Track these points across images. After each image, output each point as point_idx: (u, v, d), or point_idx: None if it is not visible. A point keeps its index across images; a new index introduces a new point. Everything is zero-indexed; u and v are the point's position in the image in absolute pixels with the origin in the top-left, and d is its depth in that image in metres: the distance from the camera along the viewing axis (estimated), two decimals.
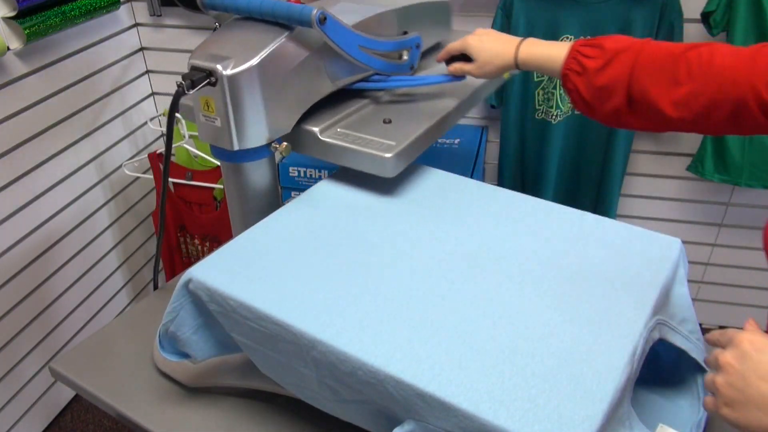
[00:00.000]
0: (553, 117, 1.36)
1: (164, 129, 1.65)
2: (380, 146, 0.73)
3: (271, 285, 0.59)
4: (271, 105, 0.72)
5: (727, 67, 0.58)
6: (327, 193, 0.75)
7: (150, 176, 1.59)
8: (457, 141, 1.44)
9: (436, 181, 0.78)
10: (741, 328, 0.48)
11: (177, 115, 0.82)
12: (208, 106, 0.69)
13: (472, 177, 1.27)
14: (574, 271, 0.61)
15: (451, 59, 0.81)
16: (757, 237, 1.54)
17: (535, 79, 1.35)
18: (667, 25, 1.24)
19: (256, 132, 0.72)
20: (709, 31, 1.22)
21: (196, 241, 1.60)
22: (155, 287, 0.83)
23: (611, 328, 0.54)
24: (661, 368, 0.67)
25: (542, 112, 1.38)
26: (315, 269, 0.62)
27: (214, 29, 0.76)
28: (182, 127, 1.44)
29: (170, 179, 1.55)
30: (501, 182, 1.49)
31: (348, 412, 0.58)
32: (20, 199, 1.32)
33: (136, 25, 1.60)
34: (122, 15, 1.54)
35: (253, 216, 0.80)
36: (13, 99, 1.26)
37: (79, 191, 1.49)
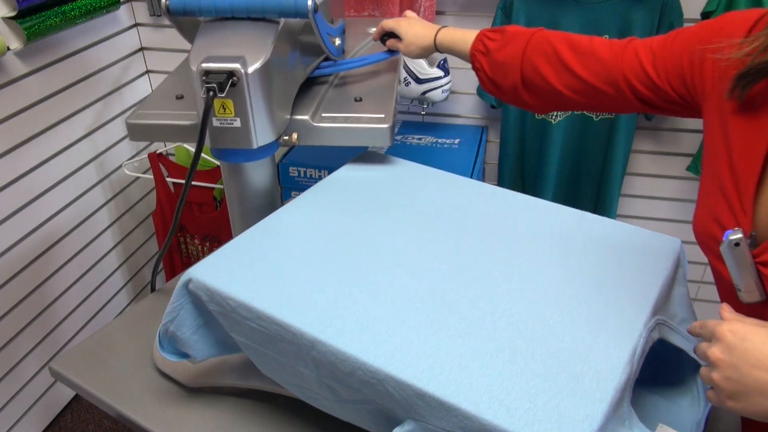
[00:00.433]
0: (553, 117, 1.36)
1: None
2: (372, 120, 0.78)
3: (271, 285, 0.59)
4: (277, 99, 0.72)
5: (604, 58, 0.68)
6: (327, 193, 0.76)
7: (150, 176, 1.59)
8: (457, 141, 1.44)
9: (436, 181, 0.78)
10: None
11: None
12: (224, 109, 0.69)
13: (472, 177, 1.27)
14: (574, 270, 0.61)
15: (382, 37, 0.90)
16: None
17: None
18: (667, 25, 1.24)
19: (270, 128, 0.73)
20: None
21: (196, 241, 1.60)
22: (152, 289, 0.83)
23: (611, 328, 0.54)
24: (661, 368, 0.67)
25: None
26: (315, 269, 0.62)
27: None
28: None
29: (170, 179, 1.55)
30: (501, 182, 1.49)
31: (348, 412, 0.58)
32: (20, 199, 1.32)
33: (136, 25, 1.60)
34: (122, 15, 1.54)
35: (253, 216, 0.80)
36: (13, 99, 1.26)
37: (79, 191, 1.49)
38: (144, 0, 1.55)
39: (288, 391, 0.62)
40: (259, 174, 0.79)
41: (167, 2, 0.71)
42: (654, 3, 1.22)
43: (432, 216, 0.71)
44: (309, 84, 0.85)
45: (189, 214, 1.56)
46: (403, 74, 1.36)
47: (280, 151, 1.41)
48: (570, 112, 1.37)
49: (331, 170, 0.82)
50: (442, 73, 1.35)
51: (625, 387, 0.50)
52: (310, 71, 0.85)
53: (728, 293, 0.58)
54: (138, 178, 1.69)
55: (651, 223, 1.56)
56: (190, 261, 1.65)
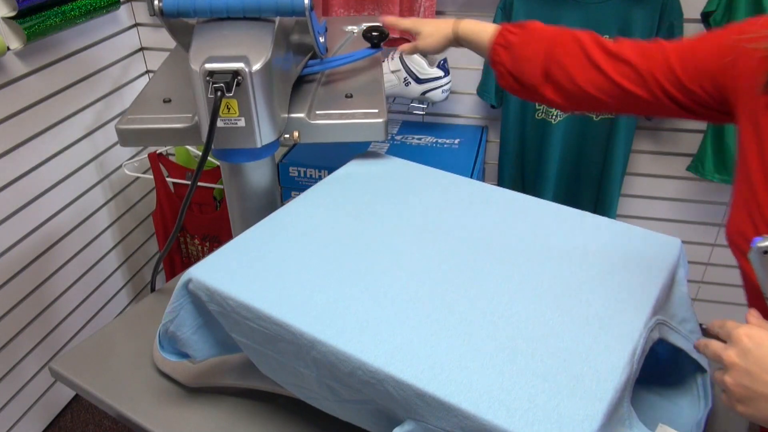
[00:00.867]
0: (553, 117, 1.36)
1: None
2: (367, 115, 0.79)
3: (271, 285, 0.59)
4: (277, 98, 0.73)
5: (633, 59, 0.67)
6: (327, 193, 0.76)
7: (150, 176, 1.59)
8: (457, 141, 1.44)
9: (436, 181, 0.78)
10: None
11: None
12: (228, 109, 0.69)
13: (472, 177, 1.27)
14: (574, 271, 0.61)
15: (369, 35, 0.90)
16: None
17: None
18: (667, 25, 1.24)
19: (272, 126, 0.73)
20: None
21: (196, 241, 1.60)
22: (152, 289, 0.83)
23: (611, 328, 0.54)
24: (661, 368, 0.67)
25: (542, 112, 1.38)
26: (315, 269, 0.62)
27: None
28: None
29: (170, 179, 1.55)
30: (501, 182, 1.49)
31: (348, 412, 0.58)
32: (20, 199, 1.32)
33: (136, 25, 1.60)
34: (122, 15, 1.54)
35: (253, 216, 0.80)
36: (13, 99, 1.26)
37: (79, 191, 1.49)
38: (144, 0, 1.55)
39: (288, 391, 0.62)
40: (259, 174, 0.79)
41: (160, 3, 0.71)
42: (654, 3, 1.22)
43: (432, 216, 0.71)
44: (298, 83, 0.85)
45: (189, 214, 1.56)
46: (403, 74, 1.36)
47: (280, 151, 1.41)
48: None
49: (330, 170, 0.82)
50: (442, 73, 1.35)
51: (625, 387, 0.50)
52: (300, 70, 0.85)
53: (756, 298, 0.57)
54: (138, 178, 1.69)
55: (651, 223, 1.56)
56: (190, 261, 1.65)
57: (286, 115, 0.78)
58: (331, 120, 0.79)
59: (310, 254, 0.64)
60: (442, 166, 0.81)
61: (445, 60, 1.35)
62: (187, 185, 1.53)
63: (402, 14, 1.36)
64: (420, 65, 1.34)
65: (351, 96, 0.84)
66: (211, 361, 0.68)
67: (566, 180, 1.46)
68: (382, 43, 0.90)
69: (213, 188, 1.53)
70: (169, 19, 0.73)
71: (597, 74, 0.69)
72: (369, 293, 0.58)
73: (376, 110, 0.80)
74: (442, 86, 1.36)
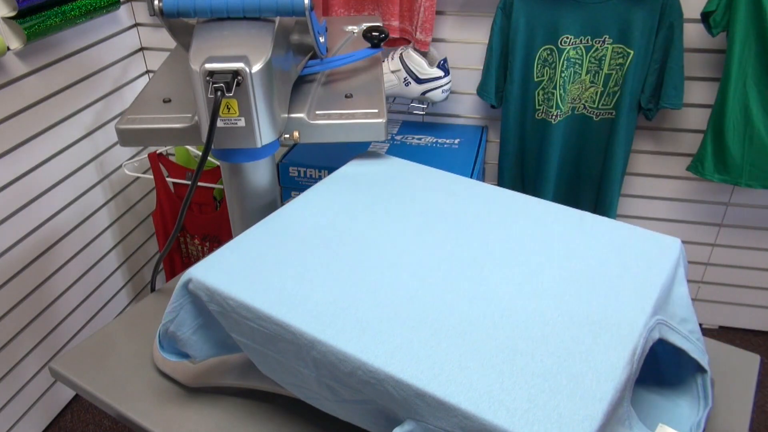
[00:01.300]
0: (553, 117, 1.36)
1: None
2: (367, 115, 0.79)
3: (271, 285, 0.59)
4: (277, 98, 0.73)
5: None
6: (326, 193, 0.76)
7: (150, 176, 1.59)
8: (457, 141, 1.44)
9: (436, 181, 0.78)
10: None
11: None
12: (229, 109, 0.69)
13: (472, 177, 1.27)
14: (574, 270, 0.61)
15: (369, 35, 0.89)
16: (757, 237, 1.54)
17: (535, 79, 1.35)
18: (668, 25, 1.24)
19: (272, 126, 0.73)
20: (709, 31, 1.22)
21: (196, 241, 1.60)
22: (152, 289, 0.83)
23: (611, 328, 0.54)
24: (661, 368, 0.67)
25: (542, 112, 1.38)
26: (315, 269, 0.62)
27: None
28: None
29: (170, 179, 1.55)
30: (501, 182, 1.49)
31: (348, 412, 0.58)
32: (20, 199, 1.32)
33: (136, 25, 1.60)
34: (122, 15, 1.54)
35: (253, 216, 0.80)
36: (13, 99, 1.26)
37: (79, 191, 1.49)
38: (144, 0, 1.55)
39: (288, 391, 0.62)
40: (259, 174, 0.79)
41: (160, 3, 0.71)
42: (654, 3, 1.23)
43: (432, 216, 0.71)
44: (298, 83, 0.85)
45: (189, 214, 1.56)
46: (403, 74, 1.36)
47: (280, 151, 1.41)
48: (570, 111, 1.37)
49: (330, 170, 0.82)
50: (442, 73, 1.35)
51: (625, 387, 0.50)
52: (299, 70, 0.85)
53: None
54: (138, 178, 1.69)
55: (651, 223, 1.56)
56: (190, 261, 1.65)
57: (286, 115, 0.78)
58: (331, 120, 0.79)
59: (310, 254, 0.64)
60: (442, 166, 0.81)
61: (445, 60, 1.35)
62: (187, 185, 1.53)
63: (402, 14, 1.37)
64: (420, 65, 1.34)
65: (351, 96, 0.84)
66: (211, 361, 0.68)
67: (566, 180, 1.46)
68: (382, 43, 0.90)
69: (213, 188, 1.53)
70: (169, 19, 0.73)
71: None
72: (369, 293, 0.58)
73: (376, 110, 0.80)
74: (442, 86, 1.36)
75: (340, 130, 0.79)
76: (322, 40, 0.86)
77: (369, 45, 0.90)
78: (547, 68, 1.33)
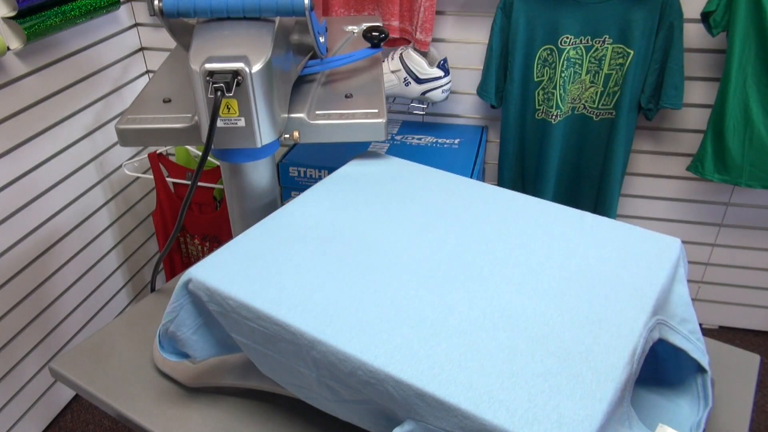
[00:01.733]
0: (553, 117, 1.36)
1: None
2: (367, 115, 0.79)
3: (271, 285, 0.59)
4: (277, 98, 0.73)
5: None
6: (326, 192, 0.76)
7: (150, 176, 1.59)
8: (457, 141, 1.44)
9: (436, 181, 0.78)
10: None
11: None
12: (228, 109, 0.69)
13: (472, 177, 1.27)
14: (574, 270, 0.61)
15: (369, 35, 0.89)
16: (757, 237, 1.54)
17: (535, 79, 1.35)
18: (667, 25, 1.24)
19: (272, 126, 0.73)
20: (709, 31, 1.22)
21: (196, 241, 1.60)
22: (152, 289, 0.83)
23: (611, 328, 0.54)
24: (661, 368, 0.67)
25: (542, 112, 1.38)
26: (315, 269, 0.62)
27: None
28: None
29: (170, 179, 1.55)
30: (501, 182, 1.49)
31: (348, 412, 0.58)
32: (20, 199, 1.32)
33: (136, 25, 1.60)
34: (122, 15, 1.54)
35: (253, 216, 0.80)
36: (13, 99, 1.26)
37: (79, 191, 1.49)
38: (144, 0, 1.55)
39: (288, 391, 0.62)
40: (259, 174, 0.79)
41: (160, 3, 0.71)
42: (654, 3, 1.23)
43: (432, 216, 0.71)
44: (298, 83, 0.85)
45: (189, 214, 1.56)
46: (403, 74, 1.36)
47: (280, 151, 1.41)
48: (570, 111, 1.37)
49: (330, 170, 0.82)
50: (442, 73, 1.35)
51: (625, 387, 0.50)
52: (300, 70, 0.85)
53: None
54: (138, 178, 1.69)
55: (651, 223, 1.56)
56: (190, 261, 1.65)
57: (286, 115, 0.78)
58: (331, 120, 0.79)
59: (310, 254, 0.64)
60: (442, 166, 0.81)
61: (445, 60, 1.35)
62: (187, 185, 1.53)
63: (402, 14, 1.37)
64: (420, 65, 1.34)
65: (351, 96, 0.84)
66: (211, 361, 0.68)
67: (566, 180, 1.46)
68: (382, 43, 0.90)
69: (213, 188, 1.53)
70: (169, 19, 0.73)
71: None
72: (369, 293, 0.58)
73: (376, 110, 0.80)
74: (442, 86, 1.36)
75: (340, 130, 0.79)
76: (322, 40, 0.86)
77: (369, 45, 0.90)
78: (547, 68, 1.33)
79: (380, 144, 1.42)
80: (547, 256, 0.64)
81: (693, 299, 1.65)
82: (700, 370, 0.65)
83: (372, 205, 0.73)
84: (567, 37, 1.29)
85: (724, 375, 0.71)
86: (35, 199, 1.35)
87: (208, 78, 0.66)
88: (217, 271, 0.61)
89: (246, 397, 0.69)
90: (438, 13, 1.40)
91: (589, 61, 1.32)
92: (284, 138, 0.77)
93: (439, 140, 1.44)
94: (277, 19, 0.74)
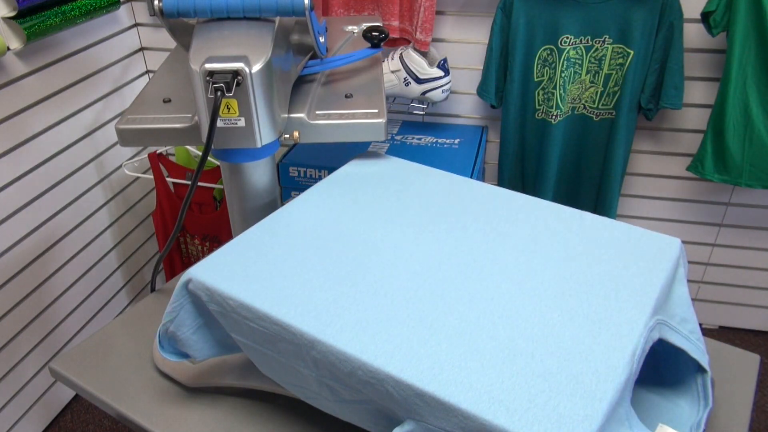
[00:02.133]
0: (553, 117, 1.36)
1: None
2: (367, 115, 0.79)
3: (271, 285, 0.59)
4: (277, 98, 0.73)
5: None
6: (326, 192, 0.76)
7: (150, 176, 1.59)
8: (457, 141, 1.44)
9: (436, 181, 0.78)
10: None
11: None
12: (228, 109, 0.69)
13: (472, 177, 1.27)
14: (574, 270, 0.61)
15: (369, 35, 0.89)
16: (757, 237, 1.54)
17: (535, 79, 1.35)
18: (667, 25, 1.24)
19: (272, 126, 0.73)
20: (709, 31, 1.22)
21: (196, 241, 1.60)
22: (152, 289, 0.83)
23: (611, 328, 0.54)
24: (661, 368, 0.67)
25: (542, 112, 1.38)
26: (315, 269, 0.62)
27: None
28: None
29: (170, 179, 1.55)
30: (501, 182, 1.49)
31: (348, 412, 0.58)
32: (20, 199, 1.32)
33: (136, 25, 1.60)
34: (122, 15, 1.54)
35: (253, 216, 0.80)
36: (13, 99, 1.26)
37: (79, 191, 1.49)
38: (144, 0, 1.55)
39: (288, 391, 0.62)
40: (259, 174, 0.79)
41: (160, 3, 0.71)
42: (654, 3, 1.23)
43: (432, 216, 0.71)
44: (298, 83, 0.85)
45: (189, 214, 1.56)
46: (403, 74, 1.36)
47: (280, 151, 1.41)
48: (570, 111, 1.37)
49: (330, 170, 0.82)
50: (442, 73, 1.35)
51: (625, 387, 0.50)
52: (299, 70, 0.85)
53: None
54: (138, 178, 1.69)
55: (651, 223, 1.56)
56: (190, 261, 1.65)
57: (286, 115, 0.78)
58: (331, 120, 0.79)
59: (310, 254, 0.64)
60: (442, 166, 0.81)
61: (445, 60, 1.35)
62: (187, 185, 1.53)
63: (402, 14, 1.37)
64: (420, 65, 1.34)
65: (351, 96, 0.84)
66: (211, 361, 0.68)
67: (566, 180, 1.46)
68: (382, 43, 0.90)
69: (213, 188, 1.53)
70: (169, 19, 0.73)
71: None
72: (369, 293, 0.58)
73: (376, 110, 0.80)
74: (442, 86, 1.36)
75: (340, 130, 0.79)
76: (322, 40, 0.86)
77: (369, 45, 0.90)
78: (547, 68, 1.33)
79: (380, 144, 1.42)
80: (547, 256, 0.64)
81: (693, 299, 1.65)
82: (700, 370, 0.65)
83: (372, 205, 0.73)
84: (567, 37, 1.29)
85: (724, 375, 0.71)
86: (35, 199, 1.35)
87: (208, 78, 0.66)
88: (217, 271, 0.61)
89: (246, 397, 0.69)
90: (438, 13, 1.40)
91: (589, 61, 1.32)
92: (284, 138, 0.77)
93: (439, 140, 1.44)
94: (277, 19, 0.74)
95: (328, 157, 1.34)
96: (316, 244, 0.66)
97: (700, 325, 0.59)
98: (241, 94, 0.68)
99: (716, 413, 0.66)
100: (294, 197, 0.76)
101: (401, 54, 1.37)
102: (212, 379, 0.69)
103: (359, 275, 0.61)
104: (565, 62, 1.31)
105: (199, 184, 1.51)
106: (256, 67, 0.67)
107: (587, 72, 1.33)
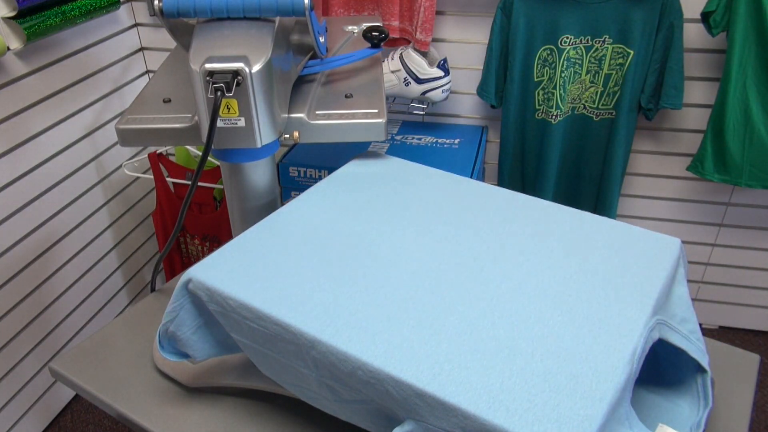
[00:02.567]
0: (553, 117, 1.36)
1: None
2: (367, 115, 0.79)
3: (271, 285, 0.59)
4: (277, 98, 0.73)
5: None
6: (326, 192, 0.76)
7: (150, 176, 1.59)
8: (457, 141, 1.44)
9: (436, 181, 0.78)
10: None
11: None
12: (229, 109, 0.69)
13: (472, 177, 1.27)
14: (574, 270, 0.61)
15: (369, 35, 0.89)
16: (757, 237, 1.54)
17: (535, 79, 1.35)
18: (667, 25, 1.24)
19: (272, 126, 0.73)
20: (709, 31, 1.22)
21: (196, 241, 1.60)
22: (152, 289, 0.83)
23: (611, 328, 0.54)
24: (661, 368, 0.67)
25: (542, 112, 1.38)
26: (315, 269, 0.62)
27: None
28: None
29: (170, 179, 1.55)
30: (501, 182, 1.49)
31: (348, 412, 0.58)
32: (20, 199, 1.32)
33: (136, 25, 1.60)
34: (122, 15, 1.54)
35: (253, 216, 0.80)
36: (13, 99, 1.26)
37: (79, 191, 1.49)
38: (144, 0, 1.55)
39: (288, 391, 0.62)
40: (259, 174, 0.79)
41: (160, 3, 0.71)
42: (654, 3, 1.23)
43: (432, 216, 0.71)
44: (298, 83, 0.85)
45: (189, 214, 1.56)
46: (403, 74, 1.36)
47: (280, 151, 1.41)
48: (570, 111, 1.37)
49: (331, 170, 0.82)
50: (442, 73, 1.35)
51: (625, 387, 0.50)
52: (299, 70, 0.85)
53: None
54: (138, 178, 1.69)
55: (651, 223, 1.56)
56: (190, 261, 1.65)
57: (286, 115, 0.78)
58: (331, 120, 0.79)
59: (310, 254, 0.64)
60: (442, 166, 0.81)
61: (445, 60, 1.35)
62: (187, 185, 1.53)
63: (402, 14, 1.37)
64: (420, 65, 1.34)
65: (351, 96, 0.84)
66: (211, 361, 0.68)
67: (566, 180, 1.46)
68: (382, 43, 0.90)
69: (213, 188, 1.53)
70: (169, 19, 0.73)
71: None
72: (369, 293, 0.58)
73: (376, 110, 0.80)
74: (442, 86, 1.36)
75: (340, 130, 0.79)
76: (322, 40, 0.86)
77: (369, 45, 0.90)
78: (547, 68, 1.33)
79: (380, 144, 1.42)
80: (547, 256, 0.64)
81: (693, 299, 1.65)
82: (700, 370, 0.65)
83: (372, 205, 0.73)
84: (567, 37, 1.29)
85: (724, 375, 0.71)
86: (35, 199, 1.35)
87: (208, 78, 0.66)
88: (217, 271, 0.61)
89: (246, 397, 0.69)
90: (438, 13, 1.40)
91: (589, 61, 1.32)
92: (284, 138, 0.77)
93: (439, 140, 1.44)
94: (277, 19, 0.74)
95: (328, 157, 1.34)
96: (316, 244, 0.66)
97: (700, 325, 0.59)
98: (241, 94, 0.68)
99: (716, 413, 0.66)
100: (294, 197, 0.76)
101: (401, 54, 1.37)
102: (212, 379, 0.69)
103: (359, 275, 0.61)
104: (565, 62, 1.31)
105: (199, 184, 1.51)
106: (256, 67, 0.67)
107: (587, 72, 1.33)
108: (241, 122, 0.70)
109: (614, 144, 1.36)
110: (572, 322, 0.55)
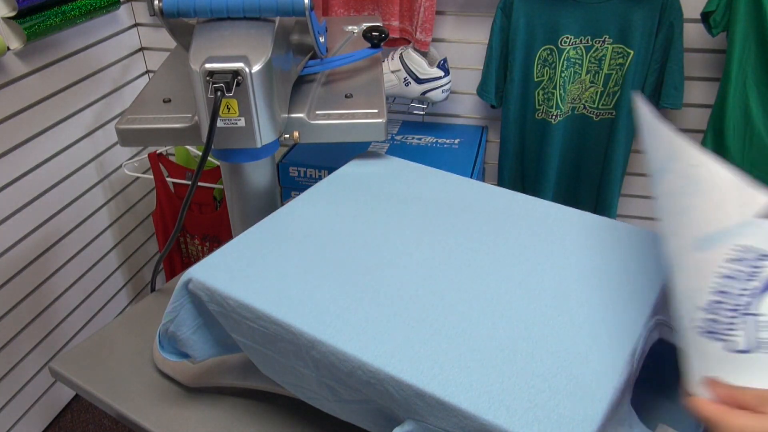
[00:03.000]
0: (553, 117, 1.36)
1: None
2: (367, 115, 0.79)
3: (271, 285, 0.59)
4: (277, 98, 0.73)
5: None
6: (326, 192, 0.76)
7: (150, 176, 1.59)
8: (457, 141, 1.44)
9: (436, 181, 0.78)
10: None
11: None
12: (228, 109, 0.69)
13: (472, 177, 1.27)
14: (574, 270, 0.61)
15: (369, 35, 0.88)
16: None
17: (535, 79, 1.35)
18: (667, 25, 1.24)
19: (272, 126, 0.73)
20: (709, 31, 1.22)
21: (196, 241, 1.60)
22: (152, 289, 0.83)
23: (611, 328, 0.54)
24: (661, 368, 0.67)
25: (542, 112, 1.38)
26: (315, 269, 0.62)
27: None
28: None
29: (170, 179, 1.55)
30: (501, 182, 1.49)
31: (348, 412, 0.58)
32: (20, 199, 1.32)
33: (136, 25, 1.60)
34: (122, 15, 1.54)
35: (253, 216, 0.80)
36: (13, 99, 1.26)
37: (79, 191, 1.49)
38: (144, 0, 1.55)
39: (288, 391, 0.62)
40: (259, 174, 0.79)
41: (160, 3, 0.71)
42: (654, 3, 1.22)
43: (432, 216, 0.71)
44: (298, 83, 0.85)
45: (189, 214, 1.56)
46: (403, 74, 1.36)
47: (280, 151, 1.41)
48: (570, 111, 1.37)
49: (331, 170, 0.82)
50: (442, 73, 1.35)
51: (625, 387, 0.50)
52: (299, 70, 0.85)
53: None
54: (138, 178, 1.69)
55: (651, 223, 1.56)
56: (190, 261, 1.65)
57: (286, 115, 0.78)
58: (331, 120, 0.79)
59: (310, 254, 0.64)
60: (442, 166, 0.81)
61: (445, 60, 1.35)
62: (187, 185, 1.53)
63: (402, 14, 1.37)
64: (420, 65, 1.34)
65: (351, 96, 0.84)
66: (211, 361, 0.68)
67: (566, 180, 1.46)
68: (382, 43, 0.90)
69: (213, 188, 1.53)
70: (169, 19, 0.73)
71: None
72: (369, 293, 0.58)
73: (376, 110, 0.80)
74: (442, 86, 1.36)
75: (340, 130, 0.79)
76: (322, 40, 0.86)
77: (369, 45, 0.90)
78: (547, 68, 1.33)
79: (380, 144, 1.42)
80: (547, 256, 0.64)
81: None
82: None
83: (372, 205, 0.73)
84: (567, 37, 1.29)
85: None
86: (35, 199, 1.35)
87: (208, 78, 0.66)
88: (217, 271, 0.61)
89: (246, 397, 0.69)
90: (438, 13, 1.40)
91: (589, 61, 1.32)
92: (284, 138, 0.77)
93: (439, 140, 1.44)
94: (277, 19, 0.74)
95: (328, 157, 1.33)
96: (316, 243, 0.66)
97: None
98: (241, 94, 0.68)
99: None
100: (294, 197, 0.76)
101: (401, 54, 1.37)
102: (212, 379, 0.69)
103: (359, 275, 0.61)
104: (565, 62, 1.31)
105: (199, 184, 1.51)
106: (256, 67, 0.67)
107: (587, 72, 1.33)
108: (241, 122, 0.70)
109: (614, 144, 1.36)
110: (572, 322, 0.55)
